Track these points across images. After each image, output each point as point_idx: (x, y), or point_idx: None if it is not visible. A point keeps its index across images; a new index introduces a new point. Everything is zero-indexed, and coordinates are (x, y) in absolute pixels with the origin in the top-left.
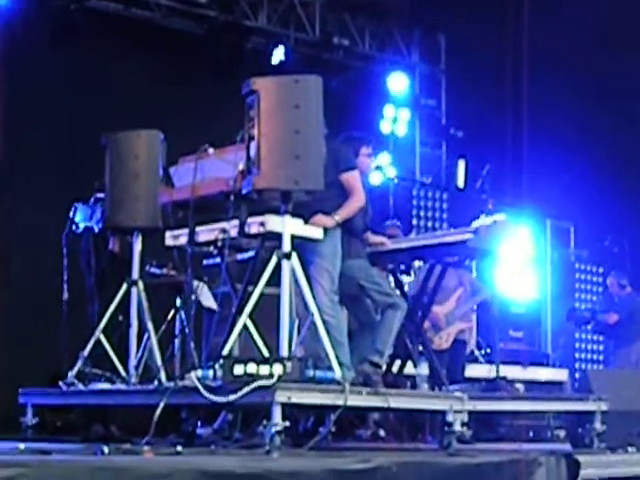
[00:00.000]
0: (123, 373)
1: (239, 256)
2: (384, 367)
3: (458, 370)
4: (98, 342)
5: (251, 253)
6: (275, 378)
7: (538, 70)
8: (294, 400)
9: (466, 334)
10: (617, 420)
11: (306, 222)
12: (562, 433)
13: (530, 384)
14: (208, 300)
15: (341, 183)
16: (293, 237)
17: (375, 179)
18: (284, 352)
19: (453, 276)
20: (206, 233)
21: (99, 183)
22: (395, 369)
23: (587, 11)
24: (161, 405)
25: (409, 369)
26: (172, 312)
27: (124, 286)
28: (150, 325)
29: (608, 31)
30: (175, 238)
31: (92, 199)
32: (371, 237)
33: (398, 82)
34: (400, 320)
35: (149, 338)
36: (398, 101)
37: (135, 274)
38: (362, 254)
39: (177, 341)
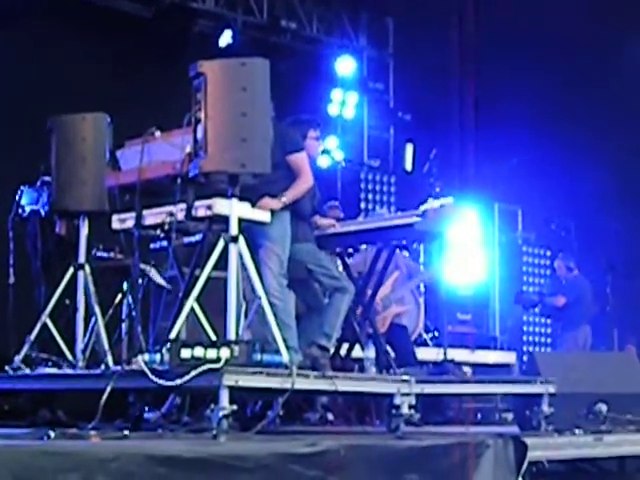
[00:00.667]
0: (70, 357)
1: (186, 240)
2: (332, 350)
3: (400, 354)
4: (45, 326)
5: (198, 237)
6: (222, 362)
7: (486, 54)
8: (241, 384)
9: (403, 318)
10: (564, 402)
11: (253, 205)
12: (510, 416)
13: (478, 367)
14: (159, 278)
15: (288, 165)
16: (240, 220)
17: (323, 162)
18: (231, 336)
19: None
20: (153, 216)
21: (45, 166)
22: (343, 352)
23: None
24: (108, 389)
25: (357, 352)
26: (119, 296)
27: (71, 270)
28: (97, 309)
29: (556, 13)
30: (122, 222)
31: (38, 182)
32: (319, 220)
33: (346, 65)
34: (348, 304)
35: (96, 322)
36: (346, 84)
37: (82, 258)
38: (310, 238)
39: (124, 325)
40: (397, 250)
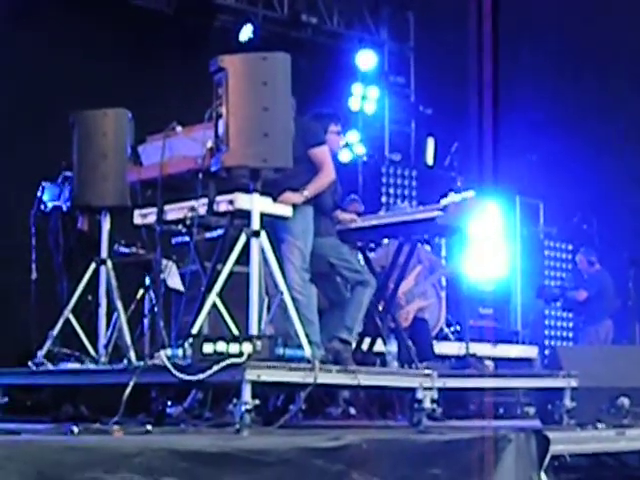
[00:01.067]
0: (92, 352)
1: (208, 234)
2: (354, 344)
3: (421, 348)
4: (67, 321)
5: (220, 231)
6: (245, 356)
7: (508, 48)
8: (264, 378)
9: (425, 312)
10: (587, 396)
11: (275, 200)
12: (532, 410)
13: (500, 361)
14: (174, 281)
15: (310, 159)
16: (262, 215)
17: (344, 157)
18: (254, 330)
19: None
20: (175, 212)
21: (67, 162)
22: (365, 347)
23: None
24: (131, 384)
25: (379, 347)
26: (141, 291)
27: (93, 265)
28: (119, 304)
29: (578, 6)
30: (143, 217)
31: (60, 178)
32: (340, 214)
33: (367, 59)
34: (369, 297)
35: (118, 317)
36: (367, 79)
37: (104, 253)
38: (332, 232)
39: (146, 320)
40: (419, 244)
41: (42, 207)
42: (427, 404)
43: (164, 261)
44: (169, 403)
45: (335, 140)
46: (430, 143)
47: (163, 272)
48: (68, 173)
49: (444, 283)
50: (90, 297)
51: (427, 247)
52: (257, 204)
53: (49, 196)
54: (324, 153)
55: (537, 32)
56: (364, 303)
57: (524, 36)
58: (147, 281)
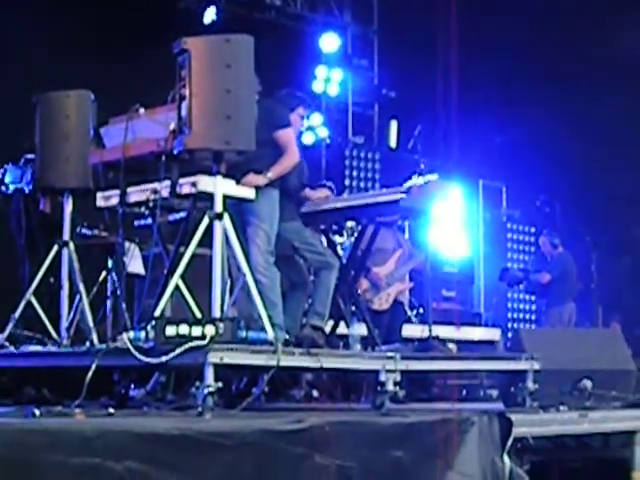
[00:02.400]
0: (55, 335)
1: (171, 217)
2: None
3: (397, 330)
4: (29, 304)
5: (183, 214)
6: (207, 339)
7: (470, 31)
8: (226, 361)
9: (404, 295)
10: (549, 379)
11: (238, 182)
12: (495, 392)
13: (463, 343)
14: (135, 265)
15: (274, 142)
16: (226, 197)
17: (307, 140)
18: (216, 313)
19: (391, 238)
20: (137, 194)
21: (29, 144)
22: (327, 329)
23: None
24: (93, 367)
25: (342, 329)
26: (104, 273)
27: (55, 247)
28: (82, 287)
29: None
30: (106, 199)
31: (22, 160)
32: (312, 193)
33: (330, 42)
34: (335, 279)
35: (80, 300)
36: (330, 61)
37: (66, 235)
38: (296, 216)
39: (109, 303)
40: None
41: (4, 189)
42: (390, 387)
43: (127, 244)
44: (132, 386)
45: (297, 122)
46: (393, 126)
47: (126, 255)
48: (30, 155)
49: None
50: (52, 279)
51: (398, 232)
52: (220, 186)
53: (11, 178)
54: (289, 135)
55: (501, 14)
56: (331, 287)
57: (488, 18)
58: (110, 264)
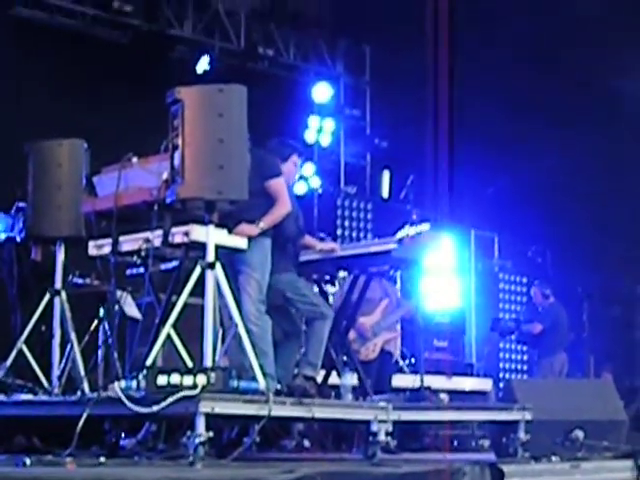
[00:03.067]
0: (46, 384)
1: (163, 266)
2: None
3: (386, 380)
4: (20, 352)
5: (175, 263)
6: (199, 389)
7: (462, 82)
8: (218, 410)
9: (391, 345)
10: (541, 429)
11: (231, 232)
12: (486, 443)
13: (455, 394)
14: (132, 309)
15: (266, 192)
16: (218, 247)
17: (300, 189)
18: (208, 362)
19: (378, 287)
20: (129, 243)
21: (21, 192)
22: (319, 379)
23: (511, 27)
24: (84, 416)
25: (333, 379)
26: (95, 322)
27: (47, 296)
28: (73, 335)
29: (531, 47)
30: (98, 248)
31: (13, 209)
32: (319, 244)
33: (323, 92)
34: (328, 330)
35: (72, 348)
36: (323, 111)
37: (58, 284)
38: (290, 267)
39: (100, 351)
40: (386, 280)
41: None
42: (382, 437)
43: (119, 292)
44: (122, 435)
45: (292, 171)
46: (385, 176)
47: (120, 302)
48: (21, 204)
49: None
50: (44, 328)
51: (384, 281)
52: (212, 236)
53: (2, 227)
54: (280, 185)
55: (490, 67)
56: (324, 337)
57: (480, 70)
58: (101, 312)
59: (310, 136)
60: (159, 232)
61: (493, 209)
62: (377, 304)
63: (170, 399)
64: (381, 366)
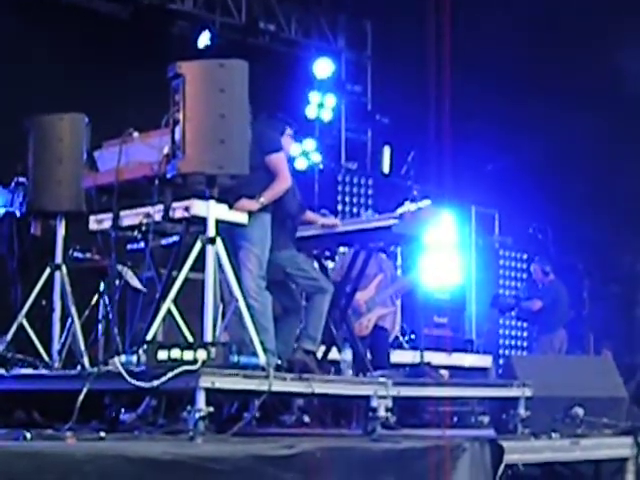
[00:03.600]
0: (46, 358)
1: (163, 241)
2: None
3: (381, 356)
4: (21, 327)
5: (175, 238)
6: (199, 363)
7: (463, 56)
8: (218, 385)
9: (386, 320)
10: (541, 406)
11: (231, 207)
12: (486, 419)
13: (454, 370)
14: (134, 281)
15: (267, 166)
16: (218, 222)
17: (300, 165)
18: (208, 337)
19: (373, 263)
20: (130, 217)
21: (22, 167)
22: (319, 355)
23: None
24: (84, 390)
25: (333, 355)
26: (96, 297)
27: (47, 270)
28: (73, 310)
29: (533, 24)
30: (99, 222)
31: (13, 183)
32: (320, 219)
33: (324, 67)
34: (328, 304)
35: (72, 323)
36: (324, 87)
37: (58, 258)
38: (290, 244)
39: (100, 326)
40: (382, 254)
41: None
42: (381, 412)
43: (119, 267)
44: (122, 410)
45: (289, 143)
46: (386, 152)
47: (123, 276)
48: (21, 179)
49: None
50: (44, 302)
51: (382, 255)
52: (213, 211)
53: (2, 202)
54: (280, 159)
55: (497, 41)
56: (324, 311)
57: (483, 45)
58: (102, 287)
59: (311, 112)
60: (160, 207)
61: (494, 186)
62: (371, 279)
63: (170, 374)
64: (374, 342)
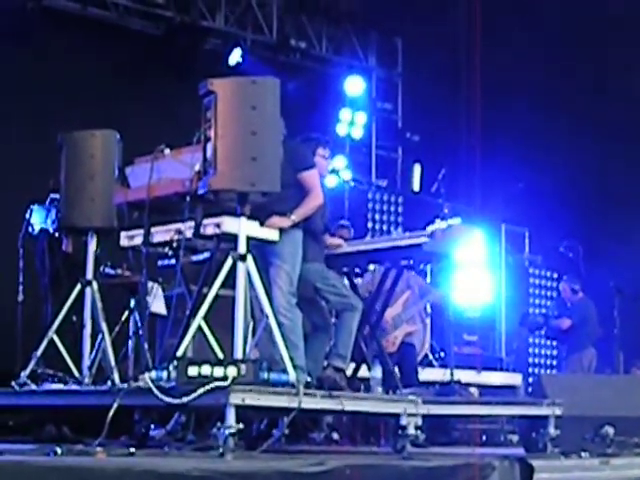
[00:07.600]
0: (76, 374)
1: (194, 257)
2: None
3: (408, 373)
4: (51, 342)
5: (206, 255)
6: (229, 380)
7: (494, 75)
8: (248, 402)
9: (413, 337)
10: (571, 425)
11: (262, 223)
12: (515, 438)
13: (484, 388)
14: (157, 305)
15: (299, 183)
16: (249, 239)
17: (331, 182)
18: (238, 354)
19: (400, 279)
20: (161, 234)
21: (54, 182)
22: (349, 372)
23: (545, 19)
24: (114, 406)
25: (363, 372)
26: (126, 313)
27: (78, 286)
28: (104, 326)
29: (564, 42)
30: (130, 239)
31: (48, 200)
32: (329, 239)
33: (355, 85)
34: (357, 321)
35: (103, 339)
36: (355, 104)
37: (89, 274)
38: (319, 257)
39: (131, 342)
40: (410, 271)
41: (30, 229)
42: (411, 430)
43: (149, 283)
44: (152, 426)
45: (323, 164)
46: (417, 169)
47: (149, 294)
48: (55, 195)
49: (429, 309)
50: (75, 318)
51: (411, 272)
52: (244, 228)
53: (37, 218)
54: (313, 177)
55: (526, 60)
56: (354, 329)
57: (513, 65)
58: (132, 303)
59: (342, 129)
60: (191, 223)
61: (524, 204)
62: (398, 296)
63: (201, 390)
64: (401, 358)
